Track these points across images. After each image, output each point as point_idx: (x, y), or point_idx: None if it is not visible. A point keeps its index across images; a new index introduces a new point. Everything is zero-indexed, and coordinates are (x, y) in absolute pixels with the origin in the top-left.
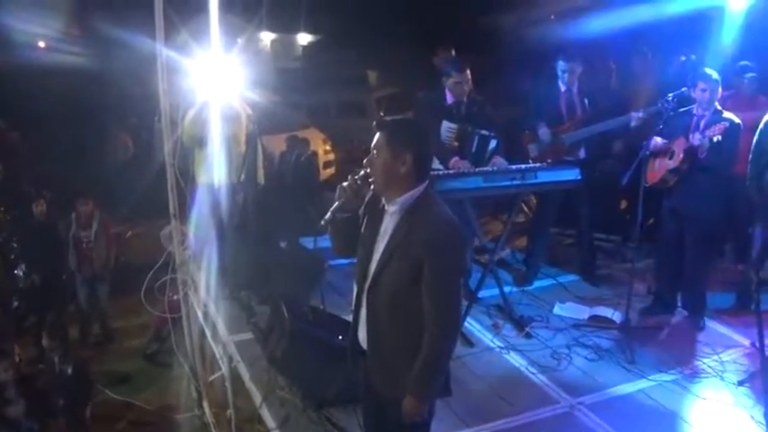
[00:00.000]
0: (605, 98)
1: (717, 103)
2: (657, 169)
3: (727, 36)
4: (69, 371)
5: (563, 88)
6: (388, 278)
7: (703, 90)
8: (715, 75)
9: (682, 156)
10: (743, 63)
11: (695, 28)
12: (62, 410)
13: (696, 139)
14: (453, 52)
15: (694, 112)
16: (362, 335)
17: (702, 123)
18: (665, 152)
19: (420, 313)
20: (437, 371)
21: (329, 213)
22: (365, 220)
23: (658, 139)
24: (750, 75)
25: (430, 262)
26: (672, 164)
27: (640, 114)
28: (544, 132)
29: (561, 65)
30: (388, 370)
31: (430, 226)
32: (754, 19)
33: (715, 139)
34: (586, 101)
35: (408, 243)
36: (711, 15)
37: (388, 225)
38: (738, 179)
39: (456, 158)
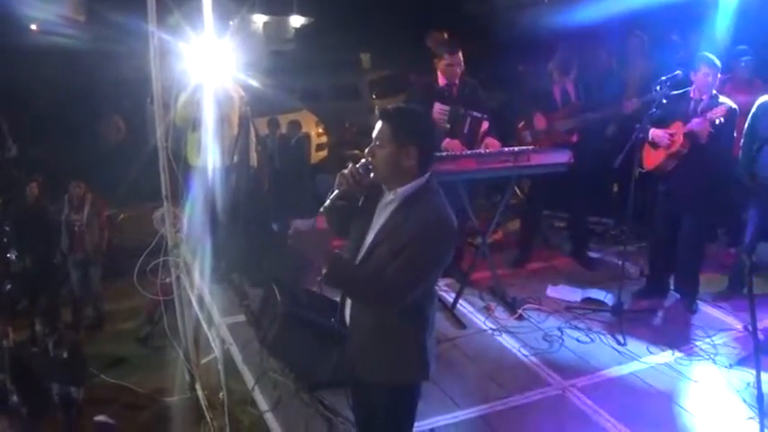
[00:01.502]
0: (601, 85)
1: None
2: (655, 154)
3: (722, 20)
4: (64, 355)
5: (556, 76)
6: (374, 262)
7: (706, 74)
8: (715, 59)
9: (681, 139)
10: (740, 47)
11: (690, 12)
12: (56, 395)
13: (697, 122)
14: (446, 35)
15: (691, 95)
16: (348, 316)
17: (700, 107)
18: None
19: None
20: (347, 283)
21: (328, 201)
22: (362, 202)
23: (659, 132)
24: (746, 58)
25: (413, 243)
26: (672, 148)
27: (634, 101)
28: (539, 121)
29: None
30: (366, 352)
31: (422, 215)
32: (749, 3)
33: (717, 121)
34: (581, 87)
35: (396, 234)
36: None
37: (383, 211)
38: (732, 163)
39: (448, 139)
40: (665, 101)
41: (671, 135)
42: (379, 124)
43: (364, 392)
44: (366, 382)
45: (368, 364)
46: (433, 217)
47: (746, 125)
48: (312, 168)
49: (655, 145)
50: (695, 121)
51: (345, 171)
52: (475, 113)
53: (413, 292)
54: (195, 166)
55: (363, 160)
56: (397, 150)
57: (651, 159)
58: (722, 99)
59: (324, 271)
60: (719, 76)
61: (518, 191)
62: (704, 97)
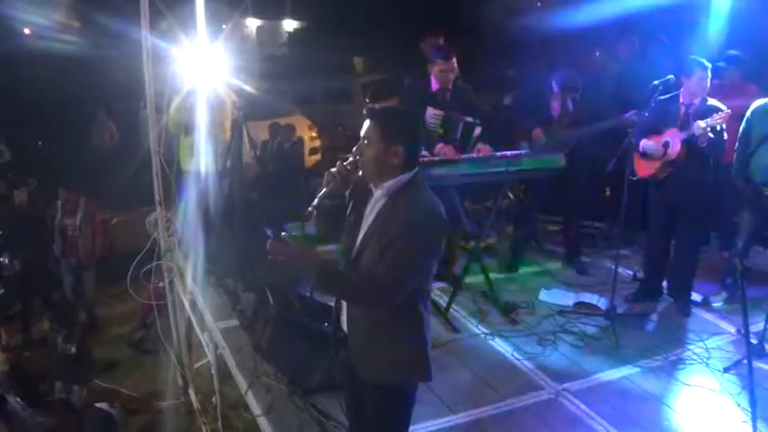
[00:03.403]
0: (598, 87)
1: None
2: (649, 162)
3: (715, 24)
4: (72, 350)
5: (556, 89)
6: (365, 261)
7: (701, 79)
8: (706, 62)
9: (680, 146)
10: (730, 52)
11: (683, 16)
12: (58, 393)
13: (698, 128)
14: (441, 40)
15: (681, 100)
16: (344, 319)
17: (692, 111)
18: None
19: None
20: (337, 288)
21: (316, 200)
22: (351, 205)
23: (651, 143)
24: (721, 63)
25: (401, 239)
26: (670, 155)
27: (632, 114)
28: (539, 137)
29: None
30: (364, 353)
31: (408, 210)
32: (741, 7)
33: (718, 127)
34: (578, 97)
35: (384, 229)
36: (699, 4)
37: (372, 209)
38: (724, 168)
39: (441, 144)
40: (656, 102)
41: (664, 145)
42: (366, 123)
43: (362, 396)
44: (366, 384)
45: (368, 366)
46: (418, 210)
47: (741, 129)
48: (305, 172)
49: (648, 155)
50: (695, 127)
51: (333, 170)
52: (467, 119)
53: (406, 288)
54: (187, 171)
55: (351, 158)
56: (384, 149)
57: (644, 167)
58: (711, 102)
59: (312, 278)
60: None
61: (511, 195)
62: (696, 101)
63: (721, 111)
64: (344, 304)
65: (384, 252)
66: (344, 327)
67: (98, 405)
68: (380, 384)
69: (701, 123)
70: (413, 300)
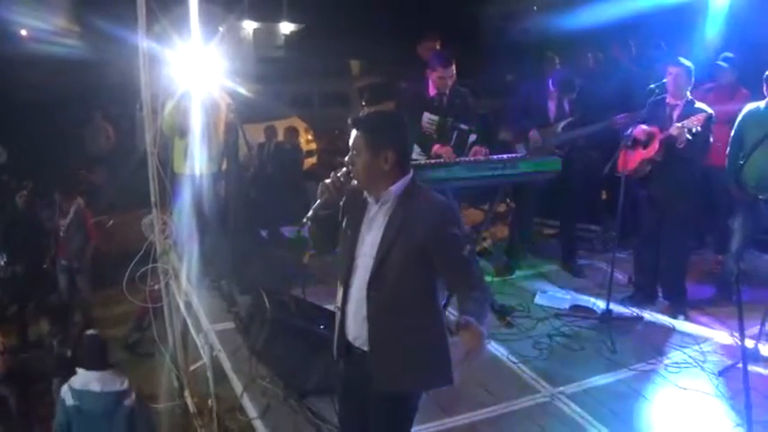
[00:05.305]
0: (595, 90)
1: (689, 93)
2: (631, 158)
3: (711, 28)
4: (68, 354)
5: (552, 88)
6: (391, 269)
7: (670, 74)
8: (686, 62)
9: (657, 146)
10: (724, 55)
11: (680, 20)
12: (55, 391)
13: (675, 129)
14: (438, 45)
15: (667, 101)
16: (352, 329)
17: (676, 113)
18: (640, 141)
19: (426, 302)
20: (487, 311)
21: (311, 211)
22: (346, 217)
23: (644, 127)
24: (721, 63)
25: (441, 241)
26: (646, 153)
27: (625, 116)
28: (535, 139)
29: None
30: (393, 364)
31: (429, 210)
32: (738, 11)
33: (694, 129)
34: (575, 98)
35: (408, 230)
36: (696, 7)
37: (376, 217)
38: (717, 171)
39: (438, 145)
40: (650, 103)
41: (649, 134)
42: (353, 133)
43: (374, 405)
44: (382, 395)
45: (397, 374)
46: (438, 210)
47: (732, 133)
48: (303, 175)
49: (633, 145)
50: (673, 128)
51: (327, 181)
52: (462, 126)
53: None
54: (182, 174)
55: (344, 168)
56: (374, 156)
57: (625, 163)
58: (698, 105)
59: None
60: (693, 79)
61: (508, 200)
62: (679, 102)
63: (701, 113)
64: (350, 315)
65: (418, 253)
66: (350, 337)
67: (89, 332)
68: (400, 393)
69: (678, 125)
70: (437, 297)
